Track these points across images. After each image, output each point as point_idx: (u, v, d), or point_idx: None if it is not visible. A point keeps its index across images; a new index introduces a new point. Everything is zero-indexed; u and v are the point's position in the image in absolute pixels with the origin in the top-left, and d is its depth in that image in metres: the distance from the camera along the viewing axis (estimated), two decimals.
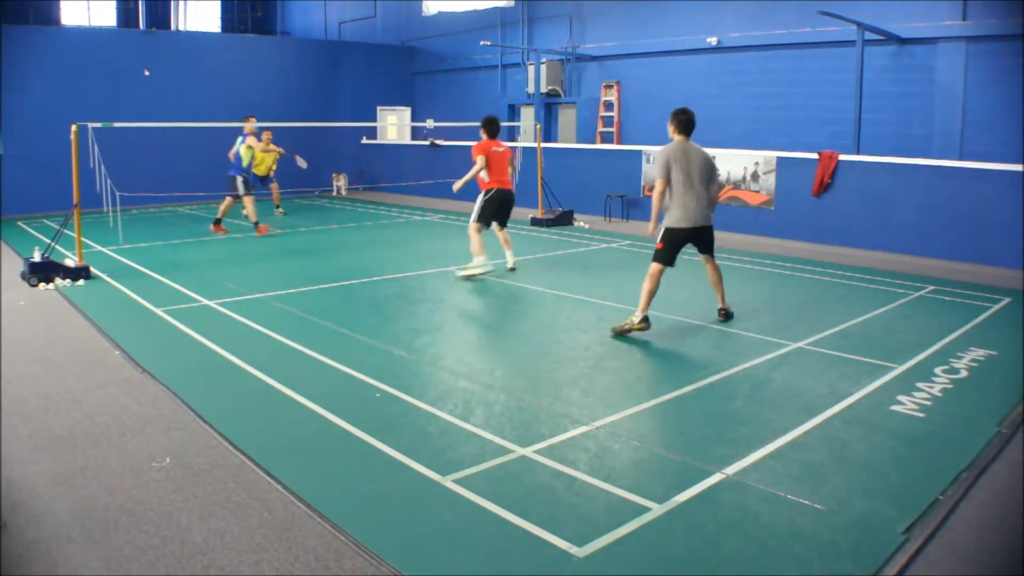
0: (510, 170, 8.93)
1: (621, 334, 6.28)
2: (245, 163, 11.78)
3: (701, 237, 6.55)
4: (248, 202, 11.87)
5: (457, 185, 8.78)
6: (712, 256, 6.75)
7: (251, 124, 11.98)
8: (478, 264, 8.55)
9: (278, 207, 15.07)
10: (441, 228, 13.32)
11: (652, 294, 6.39)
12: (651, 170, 6.36)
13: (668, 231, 6.46)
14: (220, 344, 5.95)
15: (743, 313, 6.99)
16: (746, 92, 14.22)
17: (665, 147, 6.46)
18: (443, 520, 3.32)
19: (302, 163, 14.52)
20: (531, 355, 5.96)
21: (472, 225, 8.63)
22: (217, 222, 12.37)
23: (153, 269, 9.12)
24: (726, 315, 6.78)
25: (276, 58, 19.40)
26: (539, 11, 17.98)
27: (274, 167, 14.42)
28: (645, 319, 6.29)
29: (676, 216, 6.42)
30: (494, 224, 8.83)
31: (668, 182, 6.37)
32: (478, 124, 8.88)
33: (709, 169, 6.48)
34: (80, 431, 4.30)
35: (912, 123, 12.17)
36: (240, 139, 11.85)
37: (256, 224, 11.89)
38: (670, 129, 6.52)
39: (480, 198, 8.65)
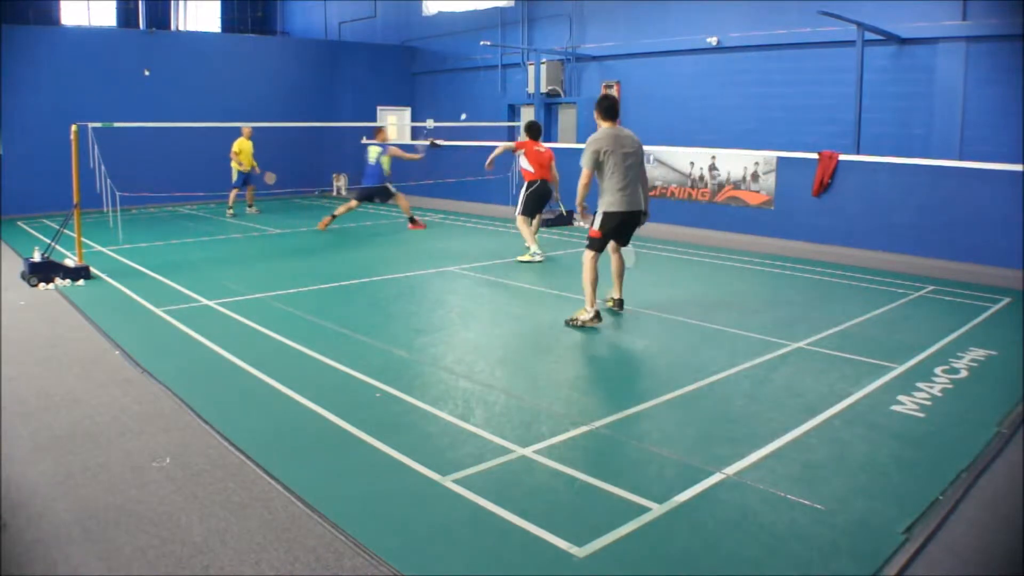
0: (555, 174, 9.82)
1: (573, 324, 6.47)
2: (386, 172, 12.29)
3: (631, 222, 6.68)
4: (401, 199, 12.59)
5: (489, 160, 10.04)
6: (626, 245, 6.87)
7: (384, 133, 12.72)
8: (533, 253, 9.42)
9: (251, 206, 15.29)
10: (441, 228, 13.31)
11: (596, 283, 6.51)
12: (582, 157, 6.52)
13: (606, 216, 6.54)
14: (220, 344, 5.95)
15: (743, 313, 6.98)
16: (746, 92, 14.20)
17: (594, 136, 6.54)
18: (443, 520, 3.32)
19: (270, 179, 14.62)
20: (531, 355, 5.96)
21: (519, 218, 9.45)
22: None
23: (153, 269, 9.12)
24: (620, 305, 6.97)
25: (276, 58, 19.39)
26: (539, 11, 17.96)
27: (256, 164, 14.55)
28: (597, 314, 6.44)
29: (611, 201, 6.51)
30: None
31: (595, 172, 6.50)
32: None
33: (640, 152, 6.61)
34: (80, 431, 4.30)
35: (912, 123, 12.14)
36: (380, 149, 12.22)
37: (411, 219, 12.76)
38: (596, 116, 6.64)
39: (523, 192, 9.45)
